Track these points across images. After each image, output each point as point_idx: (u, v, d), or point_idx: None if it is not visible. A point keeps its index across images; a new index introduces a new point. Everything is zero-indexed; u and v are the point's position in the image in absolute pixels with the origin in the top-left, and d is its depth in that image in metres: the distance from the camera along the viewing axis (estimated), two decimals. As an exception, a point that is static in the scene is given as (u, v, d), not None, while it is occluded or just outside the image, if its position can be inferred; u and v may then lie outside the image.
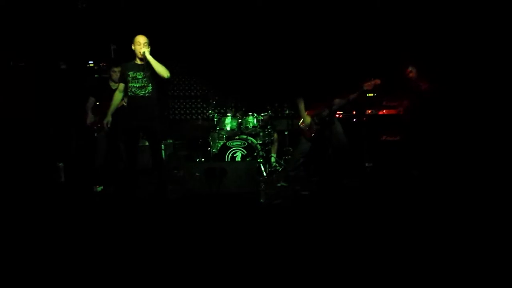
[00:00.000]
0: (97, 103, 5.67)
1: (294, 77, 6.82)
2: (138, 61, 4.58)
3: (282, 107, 6.94)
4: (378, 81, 5.19)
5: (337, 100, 5.47)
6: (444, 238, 3.36)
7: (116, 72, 5.53)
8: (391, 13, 6.94)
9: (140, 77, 4.52)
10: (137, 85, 4.54)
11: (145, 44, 4.49)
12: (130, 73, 4.54)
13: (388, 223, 3.84)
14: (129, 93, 4.58)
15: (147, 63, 4.49)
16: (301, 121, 5.72)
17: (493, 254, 2.97)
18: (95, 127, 5.56)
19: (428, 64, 5.78)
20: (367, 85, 5.19)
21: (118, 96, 4.74)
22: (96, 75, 6.05)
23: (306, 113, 5.61)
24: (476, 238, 3.31)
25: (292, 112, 6.55)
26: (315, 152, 5.78)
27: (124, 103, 5.38)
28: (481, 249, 3.09)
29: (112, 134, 5.49)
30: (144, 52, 4.42)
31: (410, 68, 5.59)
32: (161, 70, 4.50)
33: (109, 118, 4.79)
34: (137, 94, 4.55)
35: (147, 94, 4.56)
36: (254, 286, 2.66)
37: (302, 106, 5.65)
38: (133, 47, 4.55)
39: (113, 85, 5.59)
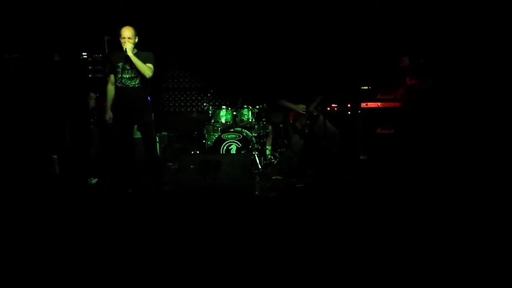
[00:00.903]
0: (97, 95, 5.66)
1: (276, 76, 6.86)
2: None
3: (277, 100, 6.94)
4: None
5: (315, 97, 5.64)
6: (439, 233, 3.37)
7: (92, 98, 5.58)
8: (386, 8, 6.92)
9: (129, 67, 4.47)
10: (127, 76, 4.49)
11: (129, 40, 4.41)
12: (120, 64, 4.50)
13: (382, 217, 3.85)
14: (118, 84, 4.54)
15: (138, 53, 4.46)
16: (292, 119, 5.80)
17: (489, 249, 2.99)
18: (92, 119, 5.53)
19: (424, 57, 5.79)
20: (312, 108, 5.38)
21: (111, 89, 4.67)
22: (90, 67, 5.99)
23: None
24: (471, 232, 3.33)
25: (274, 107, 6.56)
26: (309, 146, 5.83)
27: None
28: (476, 242, 3.10)
29: (106, 126, 5.47)
30: (125, 50, 4.35)
31: (404, 58, 5.62)
32: (143, 68, 4.43)
33: (109, 113, 4.70)
34: (127, 85, 4.51)
35: (137, 85, 4.52)
36: (248, 279, 2.66)
37: (287, 103, 5.75)
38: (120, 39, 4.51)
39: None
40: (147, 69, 4.45)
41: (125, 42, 4.40)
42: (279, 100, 5.95)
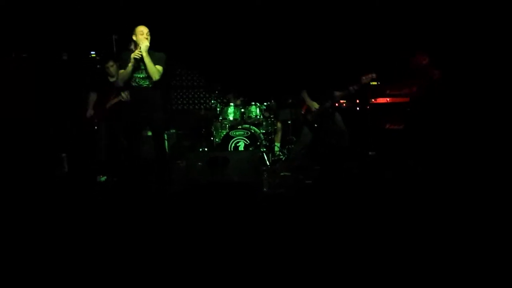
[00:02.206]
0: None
1: (297, 70, 6.82)
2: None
3: (286, 97, 6.92)
4: (374, 75, 5.30)
5: (337, 93, 5.58)
6: (443, 231, 3.34)
7: (109, 68, 5.53)
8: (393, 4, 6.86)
9: (143, 67, 4.48)
10: (141, 76, 4.51)
11: (148, 34, 4.45)
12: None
13: (389, 213, 3.82)
14: (133, 83, 4.55)
15: (151, 53, 4.47)
16: (304, 110, 5.77)
17: (489, 248, 2.96)
18: (95, 120, 5.55)
19: (434, 54, 5.73)
20: (365, 79, 5.33)
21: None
22: (98, 66, 6.01)
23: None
24: (469, 232, 3.29)
25: (295, 101, 6.51)
26: (318, 142, 5.81)
27: (122, 98, 5.39)
28: (478, 243, 3.07)
29: (112, 126, 5.50)
30: (141, 48, 4.35)
31: (422, 56, 5.57)
32: (153, 70, 4.44)
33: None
34: (141, 84, 4.52)
35: (150, 85, 4.53)
36: (257, 276, 2.65)
37: (306, 95, 5.75)
38: (134, 38, 4.50)
39: (111, 78, 5.59)
40: (156, 72, 4.46)
41: (145, 39, 4.40)
42: (300, 91, 5.92)
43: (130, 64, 4.41)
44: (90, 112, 5.60)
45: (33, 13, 6.57)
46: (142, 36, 4.43)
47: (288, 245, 3.08)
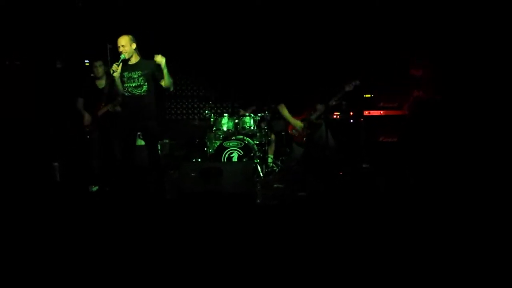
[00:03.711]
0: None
1: (275, 81, 6.87)
2: (132, 61, 4.55)
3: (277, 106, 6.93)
4: (358, 82, 5.31)
5: (319, 106, 5.59)
6: (439, 241, 3.34)
7: (97, 67, 5.49)
8: (387, 12, 6.89)
9: (135, 76, 4.49)
10: (133, 85, 4.50)
11: (123, 47, 4.44)
12: (125, 74, 4.50)
13: (384, 225, 3.81)
14: (126, 93, 4.54)
15: (141, 61, 4.48)
16: (289, 127, 5.79)
17: (488, 257, 2.96)
18: (88, 129, 5.49)
19: (431, 65, 5.76)
20: (348, 86, 5.31)
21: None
22: (92, 75, 5.99)
23: (294, 118, 5.69)
24: (467, 245, 3.29)
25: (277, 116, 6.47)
26: (309, 154, 5.81)
27: (110, 109, 5.37)
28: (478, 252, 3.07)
29: (105, 135, 5.46)
30: (160, 61, 4.38)
31: (418, 68, 5.62)
32: (169, 83, 4.54)
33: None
34: (134, 93, 4.51)
35: (143, 93, 4.52)
36: (249, 287, 2.63)
37: (286, 112, 5.74)
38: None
39: (99, 83, 5.54)
40: (171, 84, 4.62)
41: (120, 49, 4.44)
42: (277, 106, 5.93)
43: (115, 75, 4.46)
44: (87, 118, 5.50)
45: (28, 21, 6.55)
46: (119, 49, 4.46)
47: (281, 257, 3.06)
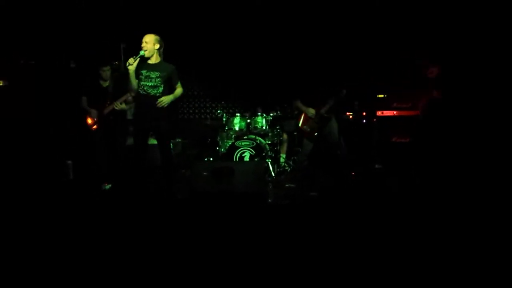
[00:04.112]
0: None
1: (290, 78, 6.88)
2: (152, 61, 4.58)
3: (292, 107, 6.91)
4: (344, 92, 5.57)
5: (329, 101, 5.65)
6: (447, 242, 3.30)
7: (105, 71, 5.53)
8: (394, 11, 6.84)
9: (154, 76, 4.52)
10: (150, 84, 4.52)
11: (146, 44, 4.50)
12: (143, 72, 4.53)
13: (394, 226, 3.78)
14: (141, 91, 4.56)
15: (162, 63, 4.55)
16: (301, 122, 5.81)
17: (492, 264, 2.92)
18: (93, 128, 5.53)
19: (441, 66, 5.71)
20: (332, 100, 5.46)
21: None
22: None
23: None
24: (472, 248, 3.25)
25: (296, 113, 6.47)
26: (321, 153, 5.82)
27: (116, 107, 5.40)
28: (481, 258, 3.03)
29: (110, 133, 5.50)
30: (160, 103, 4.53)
31: (431, 69, 5.58)
32: (179, 96, 4.77)
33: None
34: (149, 93, 4.54)
35: (158, 94, 4.55)
36: (259, 286, 2.63)
37: (300, 104, 5.80)
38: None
39: (103, 83, 5.57)
40: (180, 94, 4.76)
41: (142, 48, 4.49)
42: (293, 100, 5.97)
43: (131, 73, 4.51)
44: (94, 113, 5.52)
45: (42, 21, 6.62)
46: (141, 44, 4.53)
47: (292, 256, 3.05)
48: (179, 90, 4.74)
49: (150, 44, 4.50)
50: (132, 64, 4.41)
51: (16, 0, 6.33)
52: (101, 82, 5.58)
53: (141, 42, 4.53)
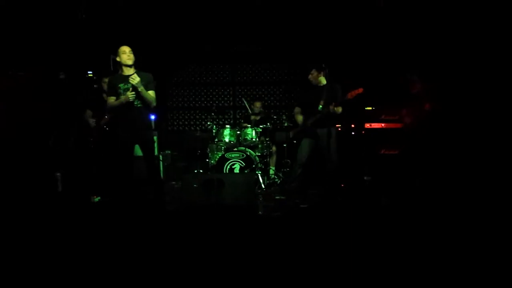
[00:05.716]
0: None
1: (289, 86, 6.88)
2: (126, 72, 4.52)
3: (281, 119, 6.96)
4: (360, 90, 5.18)
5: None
6: (440, 251, 3.33)
7: (106, 83, 5.52)
8: (383, 26, 6.94)
9: (131, 89, 4.45)
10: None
11: (130, 52, 4.48)
12: (121, 85, 4.47)
13: (383, 237, 3.81)
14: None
15: (138, 72, 4.49)
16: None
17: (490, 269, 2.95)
18: (91, 139, 5.51)
19: (430, 75, 5.78)
20: (350, 95, 5.22)
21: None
22: (95, 86, 6.01)
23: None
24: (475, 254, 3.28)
25: (291, 124, 6.47)
26: (313, 165, 5.79)
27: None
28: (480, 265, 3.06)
29: (106, 146, 5.48)
30: (132, 80, 4.36)
31: (414, 81, 5.64)
32: (150, 100, 4.54)
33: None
34: (131, 103, 4.49)
35: (139, 105, 4.51)
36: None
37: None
38: (118, 59, 4.52)
39: (104, 96, 5.58)
40: (153, 100, 4.57)
41: (126, 56, 4.46)
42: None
43: (122, 98, 4.45)
44: (92, 121, 5.52)
45: (31, 32, 6.60)
46: (125, 55, 4.47)
47: (282, 268, 3.05)
48: (153, 95, 4.58)
49: (131, 54, 4.51)
50: (132, 97, 4.41)
51: (4, 11, 6.30)
52: (104, 95, 5.58)
53: (117, 55, 4.50)
